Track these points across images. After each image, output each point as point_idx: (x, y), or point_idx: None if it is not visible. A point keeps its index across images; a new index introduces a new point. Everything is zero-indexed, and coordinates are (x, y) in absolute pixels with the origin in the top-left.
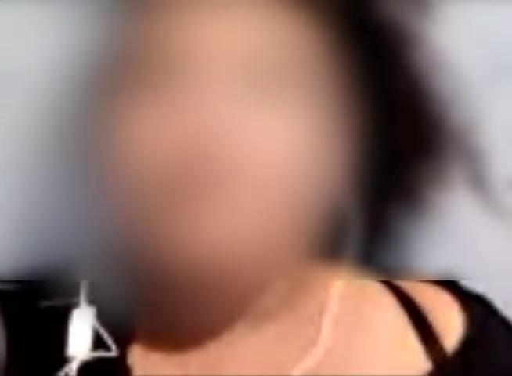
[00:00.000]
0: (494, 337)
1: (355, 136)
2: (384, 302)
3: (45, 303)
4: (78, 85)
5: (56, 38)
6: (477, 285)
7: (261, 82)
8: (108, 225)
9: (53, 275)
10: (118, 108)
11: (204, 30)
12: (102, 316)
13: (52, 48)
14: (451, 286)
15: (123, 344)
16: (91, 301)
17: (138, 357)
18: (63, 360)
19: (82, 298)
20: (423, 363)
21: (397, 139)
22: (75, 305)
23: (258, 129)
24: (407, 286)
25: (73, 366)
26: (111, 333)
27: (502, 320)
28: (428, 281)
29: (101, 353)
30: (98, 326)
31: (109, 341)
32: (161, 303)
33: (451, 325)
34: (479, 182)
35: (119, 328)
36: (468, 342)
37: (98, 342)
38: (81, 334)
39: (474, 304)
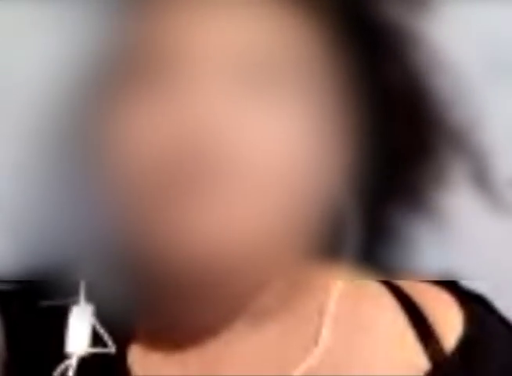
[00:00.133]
0: (493, 336)
1: (353, 135)
2: (384, 302)
3: (45, 303)
4: (77, 85)
5: (56, 38)
6: (477, 285)
7: (258, 81)
8: (106, 225)
9: (52, 275)
10: (116, 106)
11: (201, 29)
12: (101, 316)
13: (52, 48)
14: (450, 286)
15: (122, 343)
16: (91, 301)
17: (138, 356)
18: (62, 359)
19: (81, 296)
20: (423, 362)
21: (397, 138)
22: (74, 304)
23: (255, 127)
24: (407, 286)
25: (72, 363)
26: (111, 332)
27: (502, 320)
28: (428, 281)
29: (99, 349)
30: (96, 323)
31: (107, 338)
32: (160, 302)
33: (450, 325)
34: (480, 181)
35: (118, 327)
36: (467, 342)
37: (96, 340)
38: (79, 331)
39: (473, 304)
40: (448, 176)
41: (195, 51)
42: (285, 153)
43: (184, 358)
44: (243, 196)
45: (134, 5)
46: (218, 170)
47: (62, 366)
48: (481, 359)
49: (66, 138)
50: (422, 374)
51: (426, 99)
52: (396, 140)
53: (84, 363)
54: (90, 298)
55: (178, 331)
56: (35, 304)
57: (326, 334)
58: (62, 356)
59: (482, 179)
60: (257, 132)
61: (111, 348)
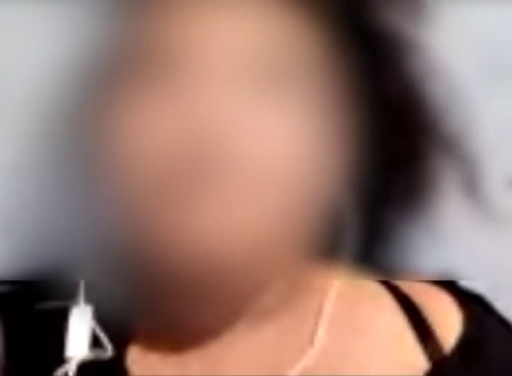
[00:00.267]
0: (492, 336)
1: (352, 136)
2: (383, 302)
3: (43, 304)
4: (79, 84)
5: (57, 37)
6: (476, 285)
7: (260, 81)
8: (105, 224)
9: (51, 275)
10: (117, 106)
11: (204, 28)
12: (100, 316)
13: (53, 48)
14: (449, 286)
15: (121, 343)
16: (90, 301)
17: (137, 357)
18: (62, 361)
19: (81, 297)
20: (422, 362)
21: (391, 142)
22: (73, 305)
23: (257, 127)
24: (405, 286)
25: (71, 367)
26: (110, 333)
27: (501, 320)
28: (427, 281)
29: (98, 353)
30: (96, 327)
31: (106, 341)
32: (160, 302)
33: (449, 325)
34: (471, 187)
35: (117, 327)
36: (466, 342)
37: (95, 341)
38: (79, 335)
39: (472, 304)
40: (443, 179)
41: (197, 50)
42: (286, 153)
43: (183, 358)
44: (244, 195)
45: (136, 4)
46: (220, 169)
47: (62, 370)
48: (480, 359)
49: (64, 137)
50: (421, 374)
51: (420, 106)
52: (390, 143)
53: (83, 363)
54: (88, 298)
55: (177, 332)
56: (33, 305)
57: (322, 334)
58: (61, 358)
59: (473, 185)
60: (259, 132)
61: (110, 352)
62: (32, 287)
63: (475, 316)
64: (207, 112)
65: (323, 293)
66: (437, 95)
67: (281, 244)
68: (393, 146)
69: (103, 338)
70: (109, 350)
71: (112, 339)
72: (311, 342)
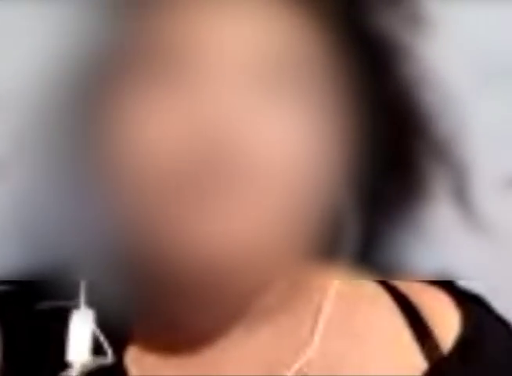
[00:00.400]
0: (490, 336)
1: (351, 137)
2: (381, 302)
3: (43, 305)
4: (84, 85)
5: (61, 38)
6: (475, 285)
7: (264, 80)
8: (107, 223)
9: (52, 275)
10: (124, 106)
11: (208, 28)
12: (100, 316)
13: (57, 48)
14: (447, 286)
15: (120, 343)
16: (90, 302)
17: (136, 357)
18: (61, 362)
19: (82, 300)
20: (420, 362)
21: (385, 144)
22: (74, 306)
23: (262, 127)
24: (403, 286)
25: (72, 373)
26: (109, 332)
27: (499, 320)
28: (424, 281)
29: (99, 360)
30: (97, 330)
31: (106, 346)
32: (160, 303)
33: (447, 325)
34: (465, 187)
35: (117, 327)
36: (464, 342)
37: (95, 344)
38: (80, 338)
39: (470, 304)
40: (435, 182)
41: (202, 50)
42: (288, 153)
43: (182, 359)
44: (247, 196)
45: (142, 4)
46: (223, 169)
47: (63, 374)
48: (478, 359)
49: (67, 137)
50: (419, 374)
51: (412, 110)
52: (384, 145)
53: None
54: (88, 298)
55: (177, 332)
56: (33, 306)
57: (320, 334)
58: (61, 359)
59: (465, 188)
60: (264, 132)
61: (111, 358)
62: (32, 287)
63: (473, 316)
64: (212, 112)
65: (323, 293)
66: (429, 100)
67: (282, 243)
68: (387, 148)
69: (104, 343)
70: (110, 355)
71: (111, 339)
72: (310, 342)
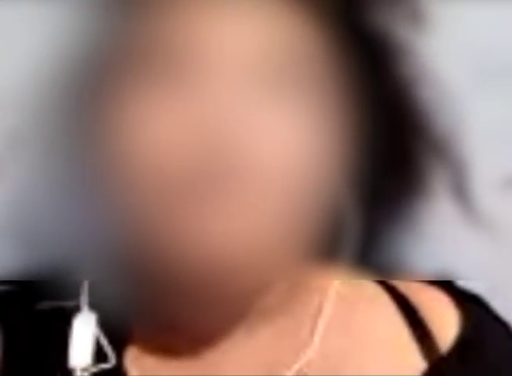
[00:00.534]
0: (489, 336)
1: (351, 136)
2: (380, 303)
3: (43, 305)
4: (85, 86)
5: (61, 38)
6: (474, 285)
7: (265, 79)
8: (108, 223)
9: (52, 275)
10: (124, 106)
11: (208, 28)
12: (100, 317)
13: (56, 48)
14: (446, 286)
15: (120, 343)
16: (90, 302)
17: (136, 357)
18: (61, 363)
19: (84, 302)
20: (419, 362)
21: (384, 143)
22: (75, 307)
23: (263, 127)
24: (403, 286)
25: None
26: (108, 333)
27: (498, 320)
28: (424, 281)
29: (102, 365)
30: (99, 333)
31: (109, 350)
32: (160, 303)
33: (446, 325)
34: (464, 186)
35: (117, 329)
36: (463, 342)
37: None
38: (82, 343)
39: (469, 304)
40: (434, 181)
41: (202, 49)
42: (289, 153)
43: (182, 360)
44: (247, 196)
45: (142, 3)
46: (224, 170)
47: None
48: (477, 359)
49: (67, 137)
50: (418, 374)
51: (411, 108)
52: (383, 144)
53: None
54: (90, 300)
55: (176, 333)
56: (33, 306)
57: (319, 335)
58: (61, 359)
59: (464, 186)
60: (265, 131)
61: (113, 361)
62: (32, 287)
63: (472, 316)
64: (213, 112)
65: (322, 294)
66: (427, 98)
67: (282, 244)
68: (387, 147)
69: (108, 347)
70: (112, 359)
71: (110, 339)
72: (310, 343)
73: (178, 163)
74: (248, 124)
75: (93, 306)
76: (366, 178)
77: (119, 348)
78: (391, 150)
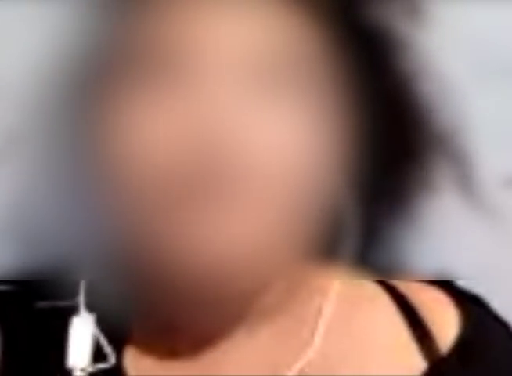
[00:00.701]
0: (489, 336)
1: (351, 135)
2: (380, 302)
3: (43, 304)
4: (80, 86)
5: (56, 38)
6: (473, 285)
7: (261, 79)
8: (107, 224)
9: (51, 275)
10: (119, 107)
11: (204, 28)
12: (99, 317)
13: (52, 49)
14: (446, 286)
15: (119, 344)
16: (89, 303)
17: (134, 358)
18: (61, 362)
19: (82, 302)
20: (419, 362)
21: (386, 141)
22: (73, 307)
23: (259, 127)
24: (403, 286)
25: None
26: (107, 334)
27: (498, 320)
28: (424, 281)
29: (101, 365)
30: (98, 333)
31: (109, 350)
32: (161, 305)
33: (446, 325)
34: (467, 183)
35: (116, 329)
36: (463, 342)
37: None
38: (81, 343)
39: (469, 304)
40: (439, 178)
41: (198, 49)
42: (288, 154)
43: (181, 360)
44: (246, 198)
45: (138, 3)
46: (222, 171)
47: None
48: (477, 360)
49: (65, 138)
50: (418, 374)
51: (413, 103)
52: (385, 141)
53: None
54: (87, 299)
55: (175, 334)
56: (33, 306)
57: (320, 335)
58: (60, 359)
59: (467, 184)
60: (262, 132)
61: (112, 361)
62: (32, 286)
63: (472, 316)
64: (209, 112)
65: (323, 294)
66: (429, 94)
67: (282, 244)
68: (387, 144)
69: (107, 347)
70: (111, 360)
71: (109, 340)
72: (310, 343)
73: (174, 163)
74: (245, 125)
75: (92, 306)
76: (367, 176)
77: (118, 348)
78: (392, 145)
